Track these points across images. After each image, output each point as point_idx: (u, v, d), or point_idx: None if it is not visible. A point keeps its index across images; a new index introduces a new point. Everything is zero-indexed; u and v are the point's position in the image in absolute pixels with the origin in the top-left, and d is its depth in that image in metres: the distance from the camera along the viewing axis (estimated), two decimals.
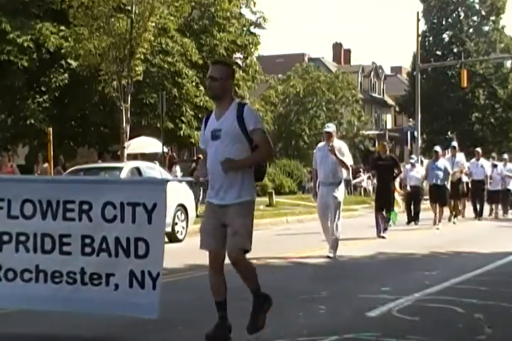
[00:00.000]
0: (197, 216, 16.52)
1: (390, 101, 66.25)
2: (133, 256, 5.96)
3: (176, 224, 15.47)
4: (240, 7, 31.73)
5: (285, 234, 17.33)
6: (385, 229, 15.85)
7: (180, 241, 15.26)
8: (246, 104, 6.07)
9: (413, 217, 20.25)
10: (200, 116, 26.74)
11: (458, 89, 49.07)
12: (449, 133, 51.59)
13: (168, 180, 6.56)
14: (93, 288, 6.05)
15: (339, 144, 11.91)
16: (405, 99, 56.01)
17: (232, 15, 30.46)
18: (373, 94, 65.36)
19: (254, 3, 31.57)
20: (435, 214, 18.70)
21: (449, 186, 19.24)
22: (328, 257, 11.71)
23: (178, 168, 25.65)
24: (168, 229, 15.13)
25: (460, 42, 56.05)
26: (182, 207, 15.63)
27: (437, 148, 19.66)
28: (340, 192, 11.78)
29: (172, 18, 24.30)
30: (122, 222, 6.01)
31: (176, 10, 23.11)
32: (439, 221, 18.61)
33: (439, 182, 18.81)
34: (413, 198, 20.56)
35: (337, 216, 11.67)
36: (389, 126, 62.98)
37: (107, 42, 20.61)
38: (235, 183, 5.89)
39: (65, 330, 6.31)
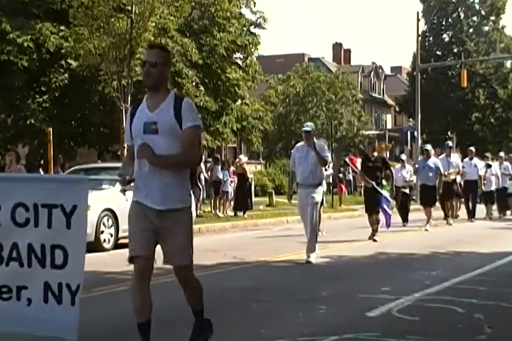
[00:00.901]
0: (197, 216, 16.50)
1: (390, 101, 66.28)
2: (49, 266, 5.17)
3: None
4: (240, 7, 31.70)
5: (285, 234, 17.33)
6: (376, 231, 15.46)
7: None
8: (185, 97, 5.54)
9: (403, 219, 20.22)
10: (199, 116, 26.65)
11: (458, 89, 49.08)
12: (449, 133, 51.56)
13: (90, 179, 5.63)
14: (2, 303, 5.29)
15: (319, 143, 11.50)
16: (405, 99, 56.03)
17: (232, 15, 30.42)
18: (373, 94, 65.39)
19: (254, 3, 31.57)
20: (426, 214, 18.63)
21: (441, 186, 18.90)
22: (308, 262, 11.07)
23: None
24: None
25: (460, 42, 56.06)
26: None
27: (428, 146, 19.43)
28: (318, 193, 11.29)
29: (172, 18, 24.26)
30: (36, 226, 5.21)
31: (176, 10, 23.08)
32: (427, 222, 18.32)
33: (429, 183, 18.62)
34: (403, 203, 20.40)
35: (313, 216, 11.15)
36: (389, 126, 62.94)
37: (107, 42, 20.60)
38: (170, 185, 5.23)
39: None
